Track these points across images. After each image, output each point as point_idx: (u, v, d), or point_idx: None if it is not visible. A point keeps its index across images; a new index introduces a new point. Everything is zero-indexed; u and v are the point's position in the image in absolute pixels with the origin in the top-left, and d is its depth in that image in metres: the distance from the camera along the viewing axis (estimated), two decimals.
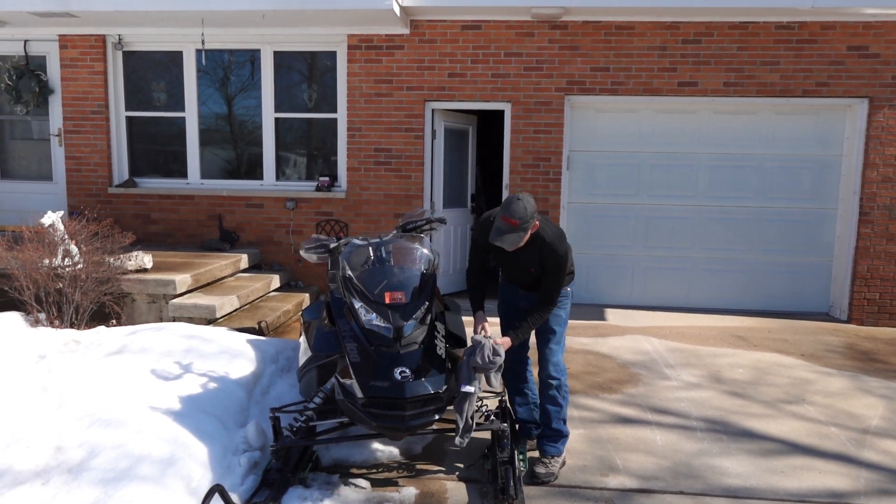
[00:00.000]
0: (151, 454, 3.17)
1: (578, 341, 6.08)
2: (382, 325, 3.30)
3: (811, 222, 7.38)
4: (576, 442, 3.98)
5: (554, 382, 3.65)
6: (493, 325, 3.59)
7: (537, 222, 3.39)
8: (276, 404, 4.09)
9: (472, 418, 3.28)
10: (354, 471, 3.61)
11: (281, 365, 4.80)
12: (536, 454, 3.73)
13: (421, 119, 7.36)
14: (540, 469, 3.54)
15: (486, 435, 3.96)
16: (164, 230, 7.75)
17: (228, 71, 7.71)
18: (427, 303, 3.47)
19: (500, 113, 7.62)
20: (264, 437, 3.67)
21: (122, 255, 5.71)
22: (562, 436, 3.66)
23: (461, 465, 3.70)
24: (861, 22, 6.88)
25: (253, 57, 7.60)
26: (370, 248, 3.70)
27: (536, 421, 3.90)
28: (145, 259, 6.01)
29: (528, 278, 3.62)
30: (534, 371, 3.89)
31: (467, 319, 3.86)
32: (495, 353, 3.28)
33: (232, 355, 4.50)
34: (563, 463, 3.68)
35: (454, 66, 7.25)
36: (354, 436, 3.52)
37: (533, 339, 3.76)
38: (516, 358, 3.83)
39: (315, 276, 7.65)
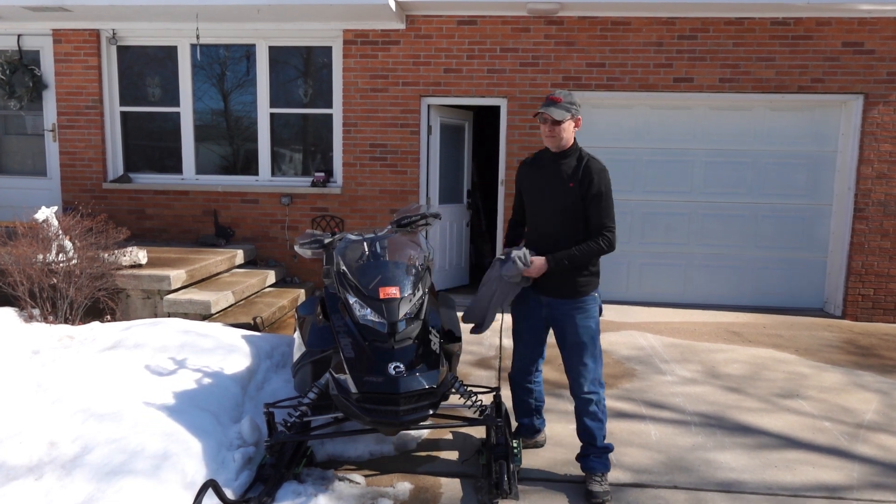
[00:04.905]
0: (146, 449, 3.17)
1: None
2: (377, 320, 3.30)
3: (806, 218, 7.39)
4: (572, 436, 3.97)
5: (594, 398, 3.48)
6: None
7: (579, 119, 3.52)
8: (271, 400, 4.10)
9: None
10: (349, 466, 3.61)
11: (276, 360, 4.81)
12: (537, 451, 3.75)
13: (417, 114, 7.35)
14: (596, 487, 3.34)
15: (481, 430, 3.97)
16: (159, 226, 7.73)
17: (223, 66, 7.68)
18: (422, 298, 3.47)
19: (496, 108, 7.61)
20: (259, 433, 3.67)
21: (116, 251, 5.70)
22: (609, 451, 3.53)
23: (456, 460, 3.70)
24: (856, 18, 6.89)
25: (248, 52, 7.57)
26: (364, 244, 3.69)
27: (534, 424, 3.85)
28: (140, 254, 5.99)
29: (558, 217, 3.46)
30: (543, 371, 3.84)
31: (462, 315, 3.85)
32: (526, 257, 3.36)
33: (227, 351, 4.49)
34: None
35: (450, 62, 7.23)
36: (349, 431, 3.52)
37: (554, 346, 3.61)
38: (527, 358, 3.70)
39: (310, 271, 7.64)
